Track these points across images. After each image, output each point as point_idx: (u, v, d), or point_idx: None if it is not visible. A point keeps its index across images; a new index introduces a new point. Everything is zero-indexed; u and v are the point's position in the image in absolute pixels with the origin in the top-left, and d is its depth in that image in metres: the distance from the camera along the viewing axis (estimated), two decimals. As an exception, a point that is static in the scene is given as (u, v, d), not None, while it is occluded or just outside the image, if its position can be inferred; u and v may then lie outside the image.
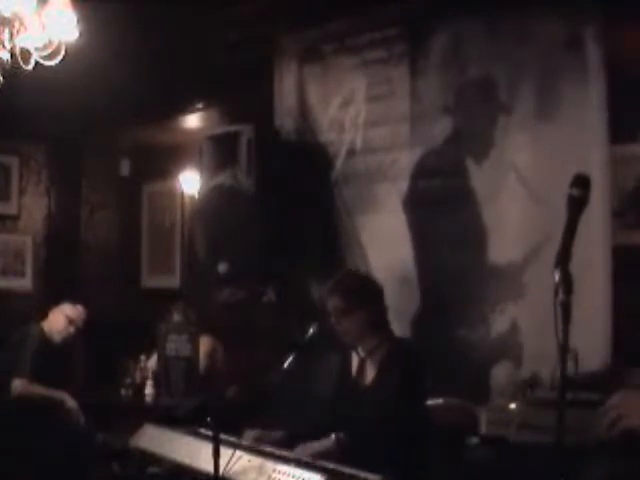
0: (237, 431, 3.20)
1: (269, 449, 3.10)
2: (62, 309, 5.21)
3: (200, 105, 6.03)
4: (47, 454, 4.54)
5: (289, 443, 3.18)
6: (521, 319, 4.01)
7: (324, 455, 2.99)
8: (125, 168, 7.21)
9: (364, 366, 3.32)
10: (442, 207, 4.38)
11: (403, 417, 3.12)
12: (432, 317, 4.37)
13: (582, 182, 2.18)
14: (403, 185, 4.55)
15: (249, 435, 3.24)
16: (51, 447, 4.58)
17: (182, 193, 6.71)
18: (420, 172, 4.49)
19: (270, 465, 2.81)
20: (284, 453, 3.02)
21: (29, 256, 6.89)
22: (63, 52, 3.12)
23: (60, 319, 5.15)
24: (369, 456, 2.96)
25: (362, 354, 3.33)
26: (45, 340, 5.09)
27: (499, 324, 4.10)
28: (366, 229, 4.73)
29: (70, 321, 5.16)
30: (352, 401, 3.26)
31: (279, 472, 2.73)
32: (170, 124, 6.35)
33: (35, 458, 4.52)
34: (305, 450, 3.09)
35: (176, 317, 5.48)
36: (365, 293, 3.34)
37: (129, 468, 3.53)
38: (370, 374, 3.29)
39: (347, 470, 2.73)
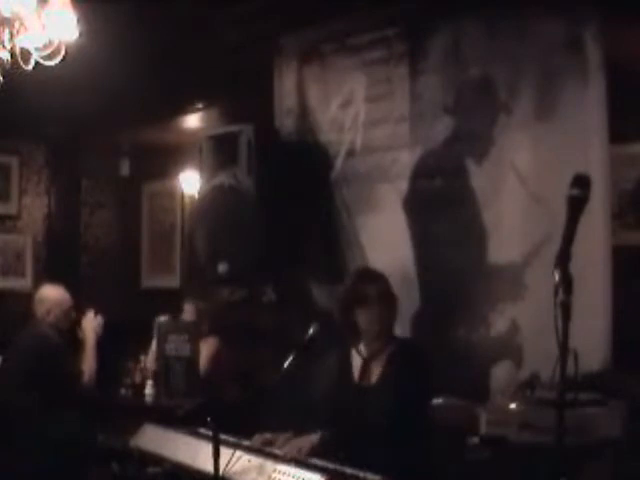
0: (237, 431, 3.20)
1: (269, 449, 3.11)
2: (40, 293, 5.10)
3: (200, 105, 6.03)
4: (47, 454, 4.54)
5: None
6: (521, 319, 4.00)
7: (308, 451, 3.03)
8: (125, 168, 7.23)
9: (369, 366, 3.30)
10: (442, 207, 4.37)
11: (411, 415, 3.13)
12: (432, 317, 4.37)
13: (582, 182, 2.18)
14: (403, 185, 4.55)
15: (257, 439, 3.23)
16: (51, 447, 4.58)
17: (182, 193, 6.72)
18: (420, 172, 4.49)
19: (270, 465, 2.81)
20: (284, 453, 3.02)
21: (29, 256, 6.90)
22: (63, 52, 3.12)
23: (38, 304, 5.04)
24: (372, 454, 2.97)
25: (365, 354, 3.32)
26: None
27: (499, 324, 4.09)
28: (366, 229, 4.73)
29: (60, 303, 5.05)
30: (355, 401, 3.25)
31: (279, 472, 2.74)
32: (170, 124, 6.35)
33: (35, 457, 4.52)
34: (291, 447, 3.10)
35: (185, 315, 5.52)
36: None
37: (129, 468, 3.52)
38: (376, 373, 3.28)
39: (348, 470, 2.74)
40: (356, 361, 3.36)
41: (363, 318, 3.30)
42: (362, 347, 3.34)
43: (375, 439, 3.09)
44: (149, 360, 5.60)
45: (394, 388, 3.16)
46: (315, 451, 3.03)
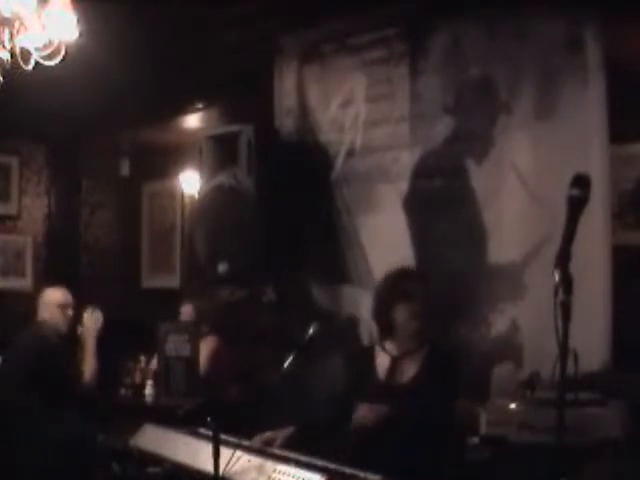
0: (237, 431, 3.20)
1: (269, 449, 3.11)
2: (43, 295, 5.07)
3: (200, 105, 6.03)
4: (47, 454, 4.54)
5: (299, 439, 3.18)
6: (521, 319, 4.01)
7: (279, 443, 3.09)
8: (125, 168, 7.23)
9: (399, 365, 3.29)
10: (442, 207, 4.37)
11: (446, 417, 3.15)
12: (432, 317, 4.36)
13: (582, 182, 2.19)
14: (403, 185, 4.54)
15: (257, 440, 3.21)
16: (51, 447, 4.58)
17: (182, 193, 6.72)
18: (420, 172, 4.49)
19: (270, 465, 2.81)
20: (284, 453, 3.02)
21: (29, 256, 6.91)
22: (63, 52, 3.12)
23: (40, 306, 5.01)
24: (400, 453, 2.99)
25: (394, 352, 3.31)
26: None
27: (499, 324, 4.09)
28: (366, 229, 4.73)
29: (63, 305, 5.02)
30: (382, 400, 3.20)
31: (279, 472, 2.74)
32: (170, 124, 6.35)
33: (35, 457, 4.52)
34: (262, 437, 3.14)
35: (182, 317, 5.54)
36: None
37: (129, 468, 3.52)
38: (408, 372, 3.27)
39: (347, 470, 2.74)
40: (382, 359, 3.34)
41: (403, 313, 3.29)
42: (390, 345, 3.33)
43: (406, 439, 3.08)
44: (154, 363, 5.60)
45: (433, 389, 3.15)
46: (286, 443, 3.07)
